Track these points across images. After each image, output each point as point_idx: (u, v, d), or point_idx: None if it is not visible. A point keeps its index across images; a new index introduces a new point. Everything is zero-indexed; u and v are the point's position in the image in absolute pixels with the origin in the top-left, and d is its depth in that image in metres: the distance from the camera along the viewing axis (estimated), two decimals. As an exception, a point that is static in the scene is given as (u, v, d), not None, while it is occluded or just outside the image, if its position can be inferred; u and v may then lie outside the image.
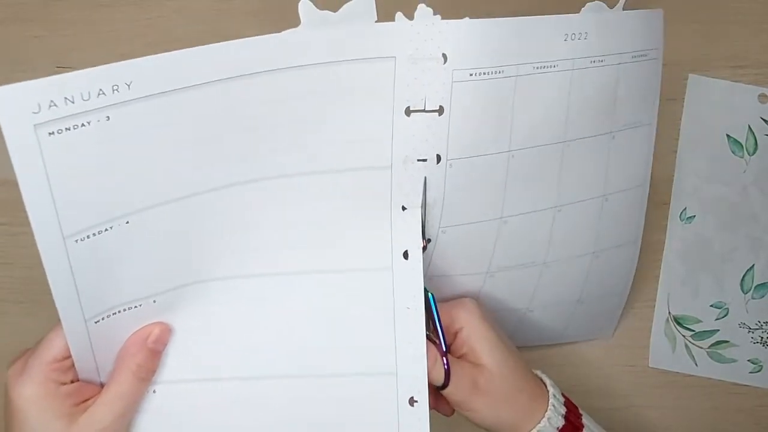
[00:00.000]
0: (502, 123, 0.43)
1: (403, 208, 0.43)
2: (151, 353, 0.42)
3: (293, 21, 0.55)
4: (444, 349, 0.44)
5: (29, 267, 0.55)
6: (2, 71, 0.56)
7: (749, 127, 0.58)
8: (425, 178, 0.43)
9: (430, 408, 0.47)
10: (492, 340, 0.45)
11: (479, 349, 0.45)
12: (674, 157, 0.58)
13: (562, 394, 0.47)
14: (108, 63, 0.55)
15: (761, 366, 0.58)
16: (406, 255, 0.43)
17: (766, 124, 0.58)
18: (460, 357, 0.46)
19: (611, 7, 0.43)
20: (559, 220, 0.48)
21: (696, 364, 0.59)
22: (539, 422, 0.45)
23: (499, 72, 0.41)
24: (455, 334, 0.46)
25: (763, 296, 0.58)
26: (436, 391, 0.45)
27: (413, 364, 0.43)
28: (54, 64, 0.56)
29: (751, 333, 0.58)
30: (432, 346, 0.44)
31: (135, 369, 0.41)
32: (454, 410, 0.47)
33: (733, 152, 0.58)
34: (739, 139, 0.58)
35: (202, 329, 0.43)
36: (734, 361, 0.58)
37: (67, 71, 0.55)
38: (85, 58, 0.56)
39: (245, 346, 0.43)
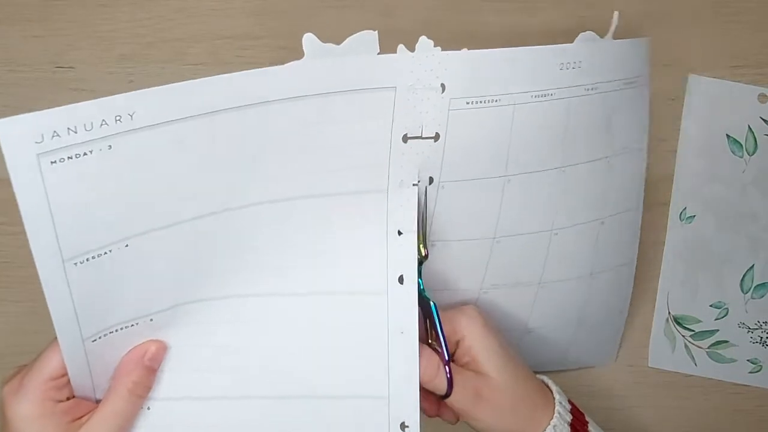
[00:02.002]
0: (498, 149, 0.43)
1: (399, 233, 0.44)
2: (147, 371, 0.42)
3: (292, 21, 0.55)
4: (447, 358, 0.44)
5: (28, 266, 0.55)
6: (1, 71, 0.56)
7: (749, 126, 0.58)
8: (417, 198, 0.43)
9: (434, 416, 0.47)
10: (493, 348, 0.45)
11: (481, 358, 0.45)
12: (674, 156, 0.58)
13: (569, 401, 0.47)
14: (107, 63, 0.55)
15: (761, 366, 0.58)
16: (401, 279, 0.44)
17: (765, 124, 0.58)
18: (463, 365, 0.45)
19: (602, 36, 0.44)
20: (555, 243, 0.48)
21: (695, 364, 0.59)
22: (544, 431, 0.45)
23: (496, 101, 0.42)
24: (457, 343, 0.46)
25: (762, 296, 0.58)
26: (439, 399, 0.45)
27: (405, 388, 0.43)
28: (53, 64, 0.56)
29: (750, 333, 0.58)
30: (434, 355, 0.44)
31: (131, 386, 0.41)
32: (458, 418, 0.47)
33: (732, 152, 0.58)
34: (738, 139, 0.58)
35: (197, 347, 0.43)
36: (734, 361, 0.58)
37: (66, 71, 0.56)
38: (84, 58, 0.56)
39: (239, 365, 0.43)
